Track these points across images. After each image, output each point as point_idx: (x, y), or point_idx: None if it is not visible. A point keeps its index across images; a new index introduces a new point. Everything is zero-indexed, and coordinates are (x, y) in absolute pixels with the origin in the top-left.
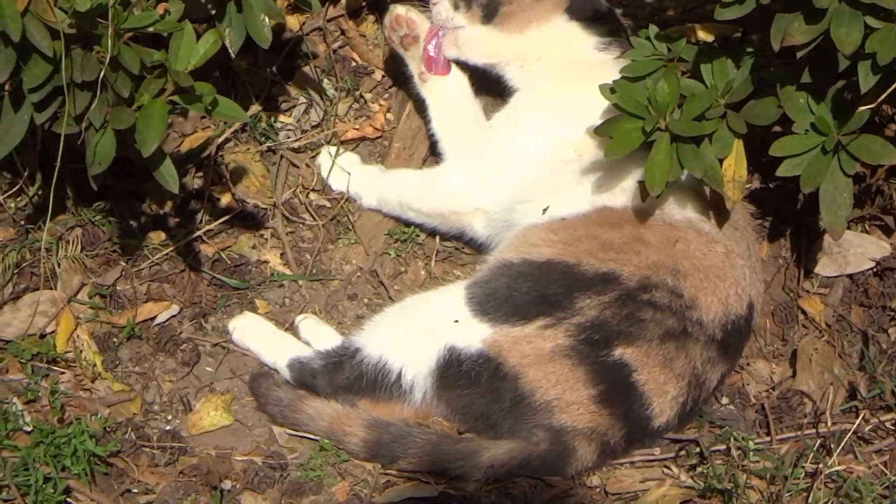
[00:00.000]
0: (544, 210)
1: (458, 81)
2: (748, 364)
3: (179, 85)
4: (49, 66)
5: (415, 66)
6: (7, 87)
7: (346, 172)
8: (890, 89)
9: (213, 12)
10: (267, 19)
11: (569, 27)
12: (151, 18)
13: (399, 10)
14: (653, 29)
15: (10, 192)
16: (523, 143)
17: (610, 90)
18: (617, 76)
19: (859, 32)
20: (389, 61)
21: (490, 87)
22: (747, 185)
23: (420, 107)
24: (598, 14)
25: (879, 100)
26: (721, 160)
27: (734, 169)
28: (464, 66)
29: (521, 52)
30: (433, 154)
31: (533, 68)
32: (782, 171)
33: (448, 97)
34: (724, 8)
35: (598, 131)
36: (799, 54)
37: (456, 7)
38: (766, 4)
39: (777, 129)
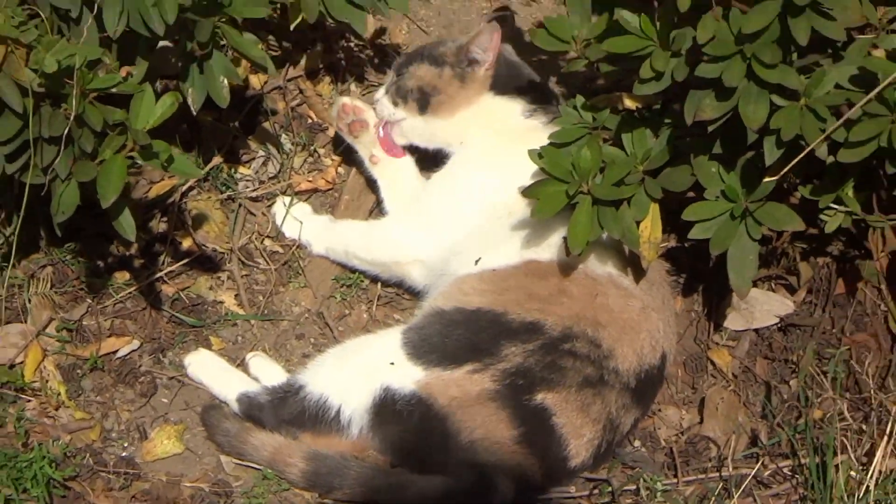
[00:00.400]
0: (476, 261)
1: (407, 161)
2: (660, 410)
3: (138, 143)
4: (19, 122)
5: (364, 151)
6: None
7: (298, 221)
8: (793, 162)
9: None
10: (225, 80)
11: (496, 101)
12: (114, 80)
13: (344, 99)
14: (579, 99)
15: None
16: (459, 201)
17: (538, 155)
18: (545, 141)
19: (765, 110)
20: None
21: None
22: (663, 245)
23: (369, 182)
24: (527, 85)
25: (783, 171)
26: (638, 222)
27: (650, 231)
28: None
29: (457, 131)
30: (378, 207)
31: (470, 140)
32: (694, 234)
33: (397, 175)
34: (642, 84)
35: (525, 193)
36: (710, 128)
37: (395, 104)
38: (681, 81)
39: (691, 194)
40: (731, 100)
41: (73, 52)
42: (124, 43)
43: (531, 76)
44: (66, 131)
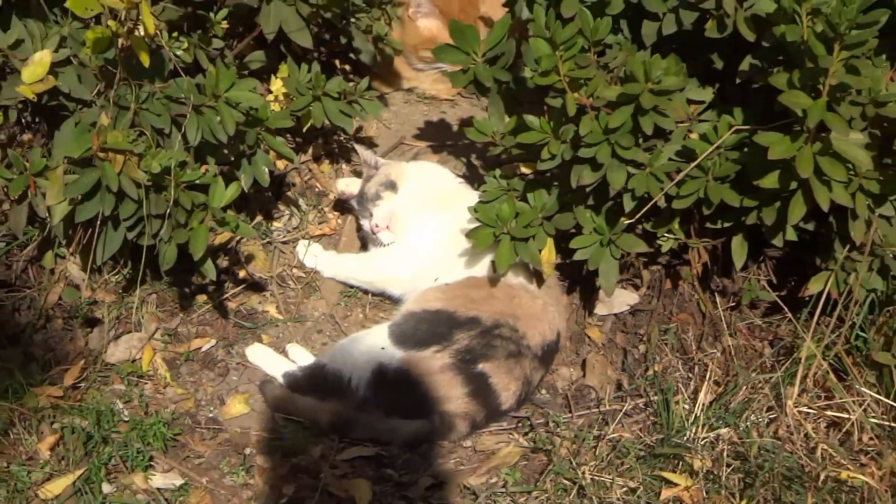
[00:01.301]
0: (435, 279)
1: None
2: (556, 369)
3: (216, 217)
4: (135, 205)
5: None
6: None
7: (314, 256)
8: (644, 209)
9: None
10: (266, 168)
11: (416, 164)
12: (197, 175)
13: (344, 182)
14: (497, 172)
15: (112, 272)
16: (423, 243)
17: (474, 209)
18: (473, 198)
19: (624, 176)
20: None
21: None
22: (556, 263)
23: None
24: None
25: (637, 216)
26: (540, 250)
27: (547, 255)
28: None
29: (416, 196)
30: (363, 247)
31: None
32: (577, 256)
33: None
34: (542, 162)
35: (468, 235)
36: (588, 189)
37: (374, 203)
38: (567, 159)
39: (573, 231)
40: (600, 171)
41: (170, 157)
42: (200, 148)
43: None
44: (166, 210)
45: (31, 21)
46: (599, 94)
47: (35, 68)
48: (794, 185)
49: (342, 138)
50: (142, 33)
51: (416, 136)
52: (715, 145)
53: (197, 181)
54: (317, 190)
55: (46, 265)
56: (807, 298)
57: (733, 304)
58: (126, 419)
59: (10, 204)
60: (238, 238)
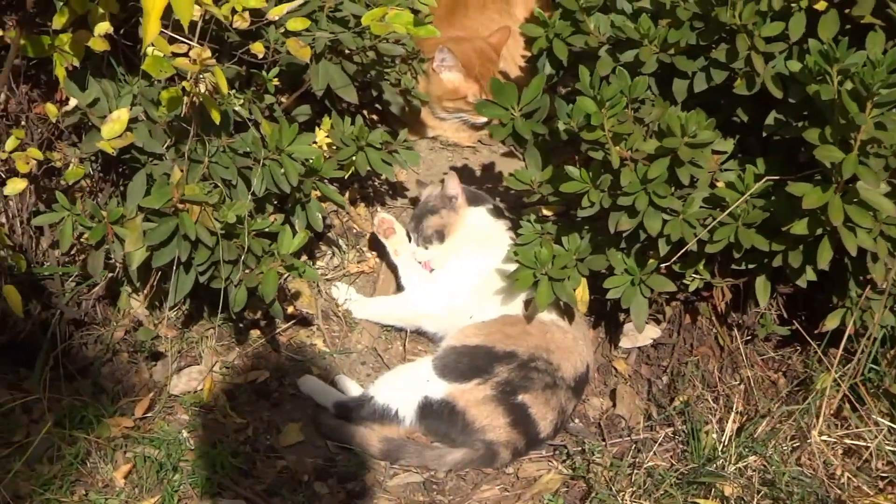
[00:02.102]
0: (470, 317)
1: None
2: (587, 399)
3: (286, 262)
4: (209, 252)
5: (391, 247)
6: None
7: (348, 298)
8: (679, 253)
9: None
10: (319, 214)
11: (473, 211)
12: (268, 223)
13: (381, 214)
14: (532, 216)
15: (172, 308)
16: (460, 282)
17: (514, 252)
18: (505, 237)
19: (660, 223)
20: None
21: None
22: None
23: (391, 268)
24: (480, 197)
25: (673, 259)
26: (574, 289)
27: (582, 294)
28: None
29: (457, 245)
30: (397, 283)
31: (463, 246)
32: (610, 295)
33: (409, 263)
34: (583, 209)
35: (510, 276)
36: (624, 234)
37: (426, 248)
38: (606, 207)
39: (603, 271)
40: (637, 217)
41: (243, 208)
42: (261, 199)
43: (478, 192)
44: (239, 257)
45: (104, 81)
46: (639, 147)
47: (114, 125)
48: (819, 230)
49: (376, 183)
50: (206, 91)
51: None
52: (747, 194)
53: (267, 229)
54: (355, 231)
55: (122, 306)
56: (822, 332)
57: (748, 337)
58: (192, 448)
59: (89, 249)
60: (286, 275)
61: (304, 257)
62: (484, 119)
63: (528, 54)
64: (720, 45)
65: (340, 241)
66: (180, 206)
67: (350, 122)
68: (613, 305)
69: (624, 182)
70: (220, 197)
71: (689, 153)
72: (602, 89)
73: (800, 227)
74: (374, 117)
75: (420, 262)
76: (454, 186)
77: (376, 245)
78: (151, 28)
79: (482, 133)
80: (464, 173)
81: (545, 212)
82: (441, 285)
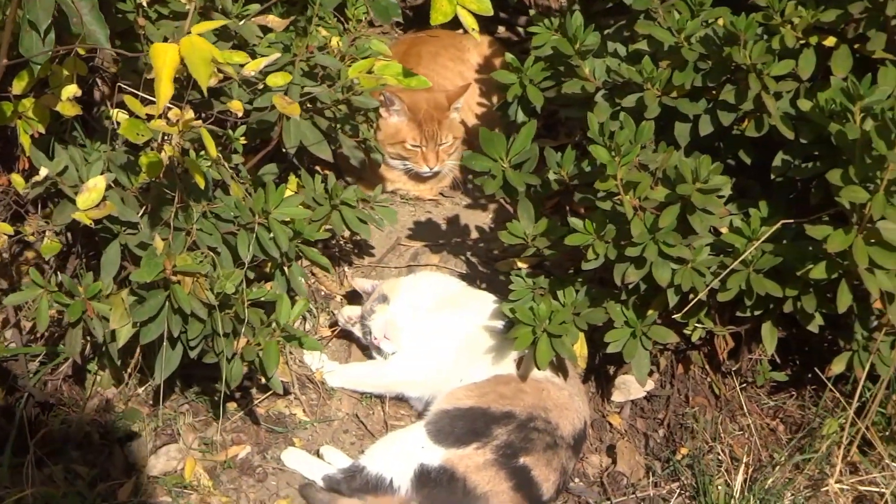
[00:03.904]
0: (460, 380)
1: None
2: (584, 457)
3: (286, 332)
4: (202, 325)
5: (358, 333)
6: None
7: (319, 366)
8: (691, 304)
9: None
10: (301, 279)
11: (404, 280)
12: (264, 292)
13: (346, 310)
14: (523, 270)
15: (141, 385)
16: (437, 345)
17: (510, 309)
18: (481, 298)
19: (669, 273)
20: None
21: None
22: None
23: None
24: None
25: (685, 310)
26: (573, 345)
27: (580, 349)
28: None
29: (417, 306)
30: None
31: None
32: (611, 349)
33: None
34: (587, 262)
35: (509, 335)
36: (630, 286)
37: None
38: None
39: (599, 325)
40: (644, 268)
41: (238, 277)
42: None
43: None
44: (233, 328)
45: (70, 147)
46: (647, 196)
47: (90, 194)
48: (835, 274)
49: (341, 242)
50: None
51: (409, 237)
52: (762, 239)
53: (263, 298)
54: (323, 293)
55: (103, 387)
56: (819, 377)
57: (742, 385)
58: None
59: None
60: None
61: None
62: (428, 169)
63: (486, 103)
64: (725, 87)
65: (311, 306)
66: (172, 278)
67: (321, 181)
68: (603, 359)
69: (635, 232)
70: (212, 266)
71: (701, 199)
72: (616, 136)
73: (818, 272)
74: (327, 172)
75: (384, 340)
76: (359, 285)
77: (346, 334)
78: (164, 90)
79: (443, 185)
80: (428, 227)
81: (520, 264)
82: (420, 351)
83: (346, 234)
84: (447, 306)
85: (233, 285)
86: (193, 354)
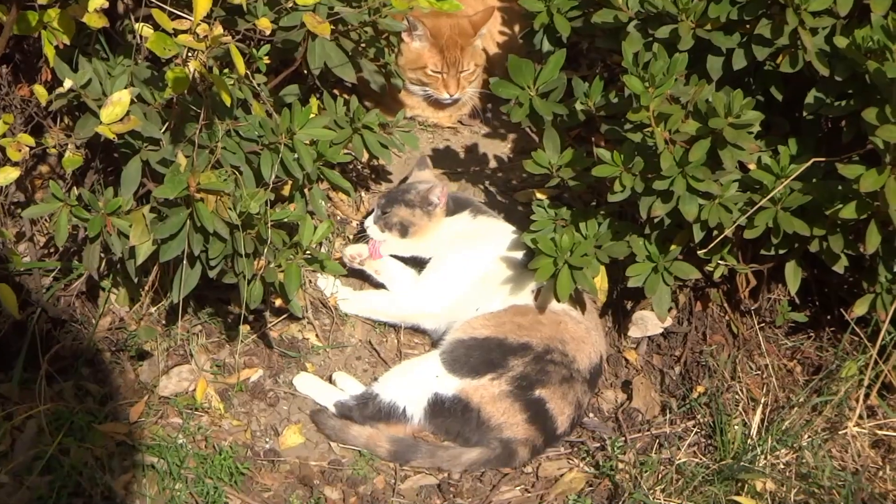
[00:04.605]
0: (476, 309)
1: (397, 265)
2: (600, 392)
3: (309, 254)
4: (223, 245)
5: (370, 269)
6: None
7: (335, 291)
8: (717, 240)
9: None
10: (321, 201)
11: (452, 219)
12: (287, 213)
13: (347, 251)
14: (545, 200)
15: (157, 305)
16: (455, 278)
17: (532, 240)
18: (496, 228)
19: (696, 208)
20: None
21: None
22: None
23: (376, 287)
24: (464, 202)
25: (710, 247)
26: (593, 277)
27: (601, 283)
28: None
29: (428, 246)
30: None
31: (439, 249)
32: (632, 283)
33: (394, 275)
34: (614, 194)
35: (530, 266)
36: (655, 220)
37: (382, 231)
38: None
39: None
40: (672, 202)
41: (263, 196)
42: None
43: (463, 197)
44: (255, 249)
45: (95, 60)
46: (679, 129)
47: (114, 108)
48: (866, 213)
49: (359, 167)
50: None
51: None
52: (792, 177)
53: (286, 219)
54: (339, 218)
55: (120, 304)
56: (838, 319)
57: (760, 325)
58: (192, 454)
59: (85, 243)
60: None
61: None
62: (448, 96)
63: (507, 31)
64: (762, 21)
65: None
66: (196, 195)
67: (343, 103)
68: (620, 293)
69: (664, 165)
70: (237, 185)
71: (733, 134)
72: (651, 67)
73: (848, 211)
74: (346, 96)
75: (369, 241)
76: (438, 195)
77: (355, 273)
78: (202, 3)
79: (462, 113)
80: (446, 155)
81: (538, 195)
82: (434, 284)
83: (365, 158)
84: (463, 242)
85: (257, 205)
86: (213, 274)
